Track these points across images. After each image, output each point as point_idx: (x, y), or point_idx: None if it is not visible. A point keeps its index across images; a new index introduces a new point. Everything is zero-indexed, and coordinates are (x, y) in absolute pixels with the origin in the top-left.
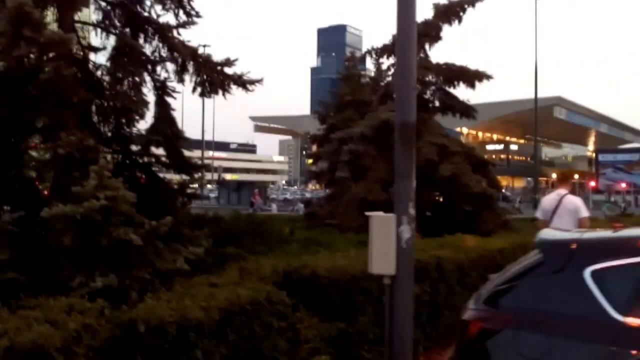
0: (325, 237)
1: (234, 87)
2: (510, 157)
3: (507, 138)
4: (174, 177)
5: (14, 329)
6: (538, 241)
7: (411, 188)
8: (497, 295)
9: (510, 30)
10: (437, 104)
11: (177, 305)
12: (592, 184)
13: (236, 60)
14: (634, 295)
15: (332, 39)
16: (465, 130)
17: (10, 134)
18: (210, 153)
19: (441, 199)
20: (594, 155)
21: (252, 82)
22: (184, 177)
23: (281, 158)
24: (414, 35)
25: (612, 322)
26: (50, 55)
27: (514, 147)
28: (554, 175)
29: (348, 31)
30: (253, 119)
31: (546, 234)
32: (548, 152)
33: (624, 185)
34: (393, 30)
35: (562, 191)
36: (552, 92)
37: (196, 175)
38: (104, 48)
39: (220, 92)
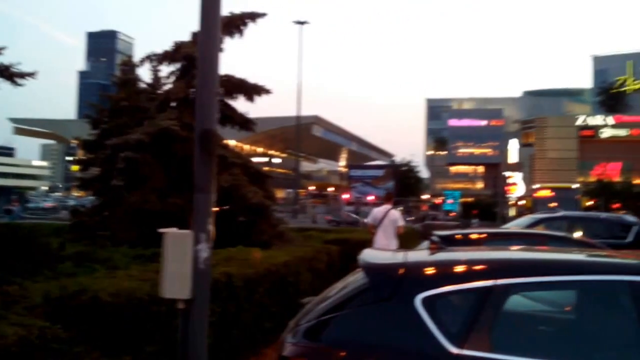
0: (100, 251)
1: None
2: (273, 169)
3: (271, 152)
4: None
5: None
6: (362, 264)
7: (210, 202)
8: (319, 327)
9: (272, 50)
10: (218, 114)
11: None
12: (345, 196)
13: (4, 48)
14: (466, 324)
15: (102, 44)
16: (232, 142)
17: None
18: None
19: (219, 210)
20: (345, 170)
21: (22, 75)
22: None
23: (43, 163)
24: (218, 40)
25: (447, 355)
26: None
27: (276, 160)
28: (311, 188)
29: (119, 37)
30: (13, 120)
31: (370, 255)
32: (306, 166)
33: (372, 197)
34: (166, 38)
35: (388, 206)
36: (312, 110)
37: None
38: None
39: None
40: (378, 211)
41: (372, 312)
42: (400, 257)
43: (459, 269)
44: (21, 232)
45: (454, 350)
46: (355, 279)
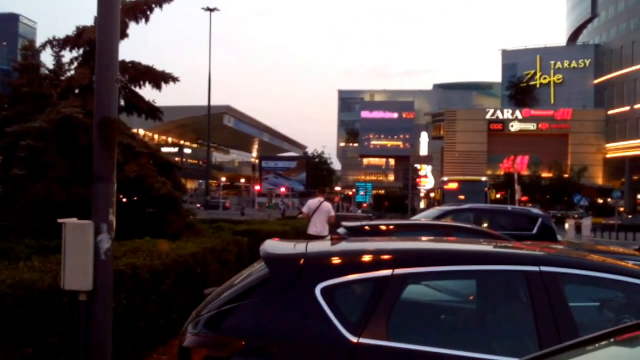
0: (1, 242)
1: None
2: (184, 160)
3: (182, 142)
4: None
5: None
6: (263, 254)
7: (111, 192)
8: (220, 317)
9: (183, 38)
10: (122, 103)
11: None
12: (257, 187)
13: None
14: (365, 313)
15: (3, 28)
16: (141, 132)
17: None
18: None
19: (126, 200)
20: (257, 161)
21: None
22: None
23: None
24: (117, 26)
25: (346, 344)
26: None
27: (187, 150)
28: (223, 179)
29: (21, 21)
30: None
31: (270, 246)
32: (218, 156)
33: (283, 189)
34: (70, 22)
35: (321, 198)
36: (223, 100)
37: None
38: None
39: None
40: (312, 202)
41: (272, 301)
42: (300, 247)
43: (358, 259)
44: None
45: (353, 339)
46: (256, 269)
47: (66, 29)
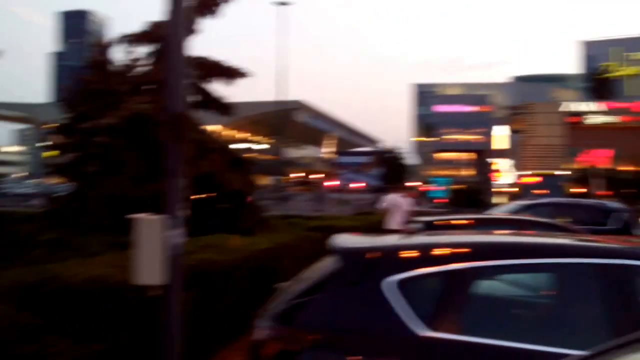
0: (75, 238)
1: None
2: (257, 155)
3: (254, 137)
4: None
5: None
6: (334, 248)
7: (181, 187)
8: (290, 311)
9: (252, 32)
10: (195, 99)
11: None
12: (331, 183)
13: None
14: (434, 307)
15: (76, 24)
16: (215, 128)
17: None
18: None
19: (198, 196)
20: (332, 156)
21: None
22: None
23: (17, 148)
24: (182, 20)
25: (414, 338)
26: None
27: (261, 146)
28: (299, 174)
29: (90, 18)
30: None
31: (342, 240)
32: (291, 152)
33: (359, 184)
34: (139, 17)
35: (397, 194)
36: (297, 94)
37: None
38: None
39: None
40: (390, 199)
41: (343, 295)
42: (371, 241)
43: (429, 252)
44: None
45: (422, 332)
46: (326, 263)
47: (135, 24)
